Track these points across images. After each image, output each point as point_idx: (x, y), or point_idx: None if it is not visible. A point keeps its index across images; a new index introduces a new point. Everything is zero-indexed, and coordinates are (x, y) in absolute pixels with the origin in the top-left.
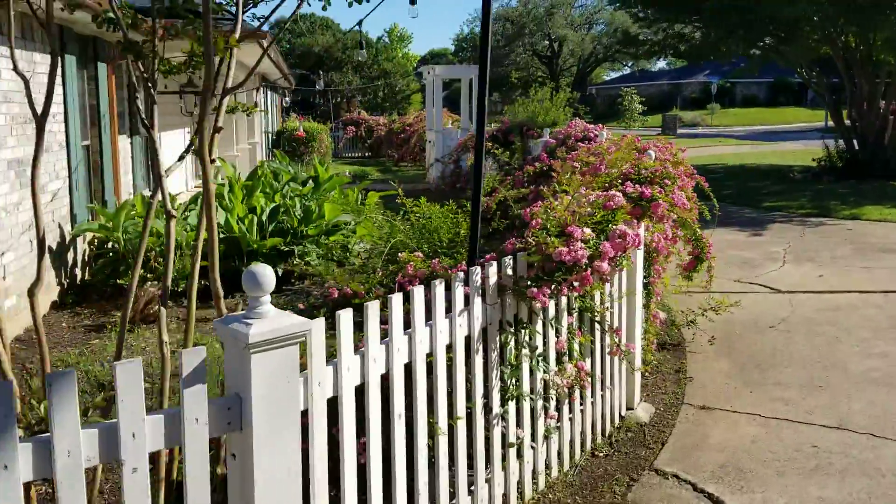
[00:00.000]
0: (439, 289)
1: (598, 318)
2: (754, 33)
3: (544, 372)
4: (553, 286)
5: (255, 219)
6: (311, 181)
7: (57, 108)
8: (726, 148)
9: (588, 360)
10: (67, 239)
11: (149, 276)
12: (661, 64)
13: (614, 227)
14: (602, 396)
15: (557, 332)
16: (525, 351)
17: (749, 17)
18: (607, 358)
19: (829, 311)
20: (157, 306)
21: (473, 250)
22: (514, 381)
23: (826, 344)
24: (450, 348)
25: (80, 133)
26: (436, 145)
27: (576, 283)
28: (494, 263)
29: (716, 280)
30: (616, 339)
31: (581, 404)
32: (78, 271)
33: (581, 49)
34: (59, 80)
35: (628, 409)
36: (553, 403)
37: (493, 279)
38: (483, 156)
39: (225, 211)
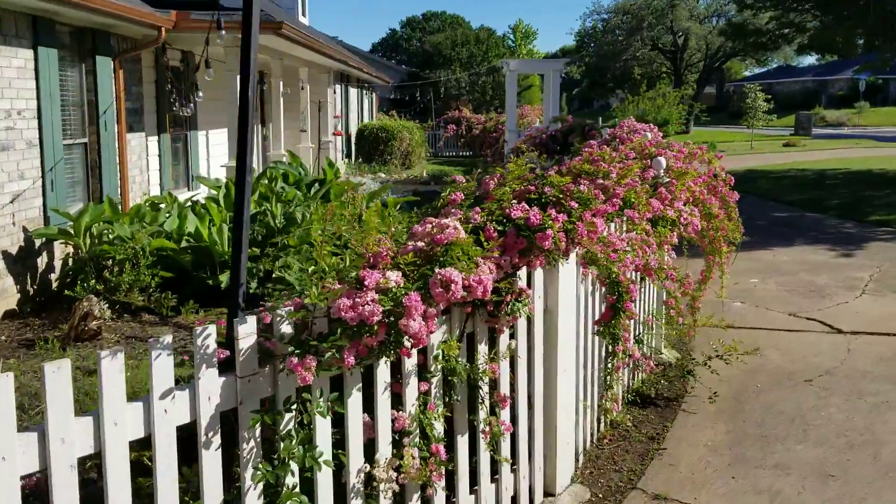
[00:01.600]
0: (112, 363)
1: (473, 383)
2: (869, 24)
3: (334, 467)
4: (328, 354)
5: (228, 227)
6: (316, 185)
7: (25, 104)
8: (860, 151)
9: (465, 439)
10: (38, 243)
11: (99, 287)
12: (810, 59)
13: (439, 270)
14: (498, 480)
15: (397, 405)
16: (294, 442)
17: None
18: (520, 428)
19: (894, 363)
20: (94, 322)
21: (236, 297)
22: (267, 483)
23: (869, 411)
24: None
25: (63, 130)
26: (509, 145)
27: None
28: (253, 318)
29: (766, 312)
30: (491, 416)
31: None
32: (52, 278)
33: (706, 43)
34: (30, 74)
35: (547, 494)
36: None
37: (247, 341)
38: (246, 162)
39: (198, 218)
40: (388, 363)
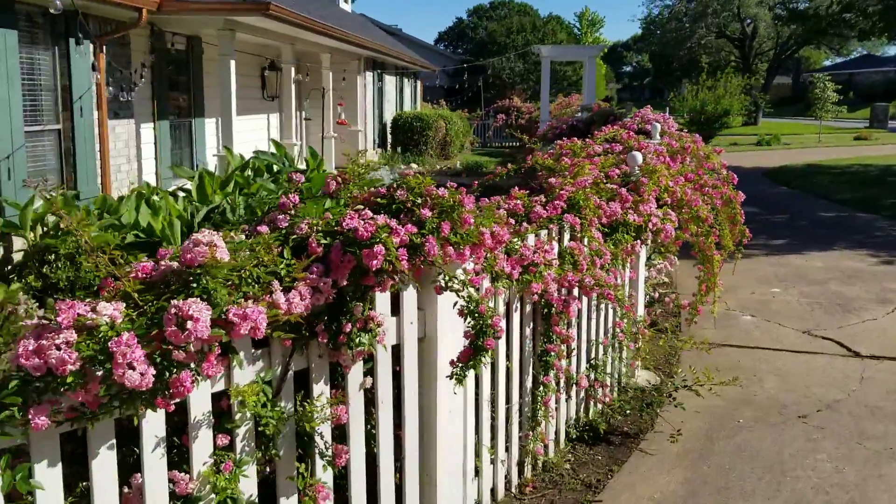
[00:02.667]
0: None
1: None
2: None
3: None
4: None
5: (181, 222)
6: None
7: None
8: None
9: None
10: None
11: (37, 284)
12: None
13: (175, 303)
14: None
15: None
16: None
17: None
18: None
19: None
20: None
21: None
22: None
23: (866, 461)
24: None
25: (31, 117)
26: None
27: None
28: None
29: (776, 329)
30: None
31: None
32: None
33: (777, 31)
34: None
35: None
36: None
37: None
38: None
39: (151, 210)
40: (162, 412)
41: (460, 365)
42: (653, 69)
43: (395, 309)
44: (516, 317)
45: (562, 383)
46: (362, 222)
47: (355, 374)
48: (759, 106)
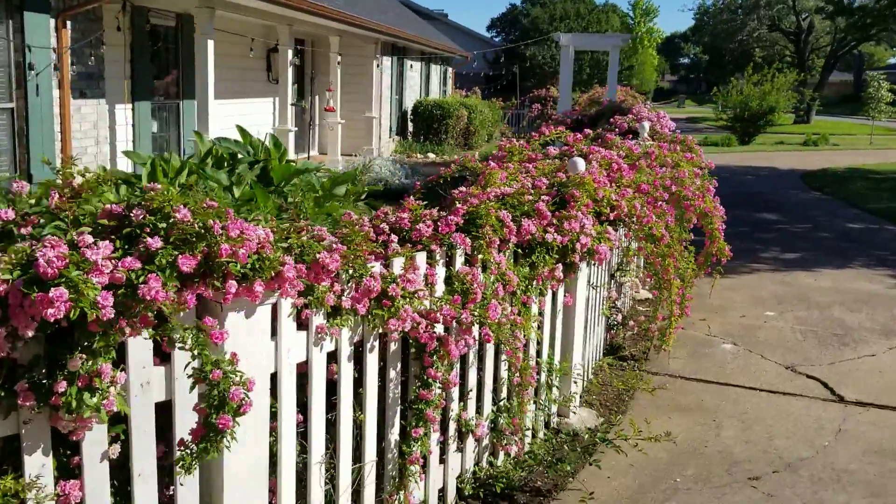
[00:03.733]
0: None
1: None
2: None
3: None
4: None
5: None
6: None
7: None
8: None
9: None
10: None
11: None
12: None
13: None
14: None
15: None
16: None
17: None
18: None
19: (891, 459)
20: None
21: None
22: None
23: None
24: None
25: None
26: None
27: None
28: None
29: (757, 362)
30: None
31: None
32: None
33: (834, 25)
34: None
35: None
36: None
37: None
38: None
39: None
40: None
41: (192, 447)
42: (705, 62)
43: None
44: (372, 358)
45: (452, 432)
46: (52, 252)
47: (95, 441)
48: (808, 104)
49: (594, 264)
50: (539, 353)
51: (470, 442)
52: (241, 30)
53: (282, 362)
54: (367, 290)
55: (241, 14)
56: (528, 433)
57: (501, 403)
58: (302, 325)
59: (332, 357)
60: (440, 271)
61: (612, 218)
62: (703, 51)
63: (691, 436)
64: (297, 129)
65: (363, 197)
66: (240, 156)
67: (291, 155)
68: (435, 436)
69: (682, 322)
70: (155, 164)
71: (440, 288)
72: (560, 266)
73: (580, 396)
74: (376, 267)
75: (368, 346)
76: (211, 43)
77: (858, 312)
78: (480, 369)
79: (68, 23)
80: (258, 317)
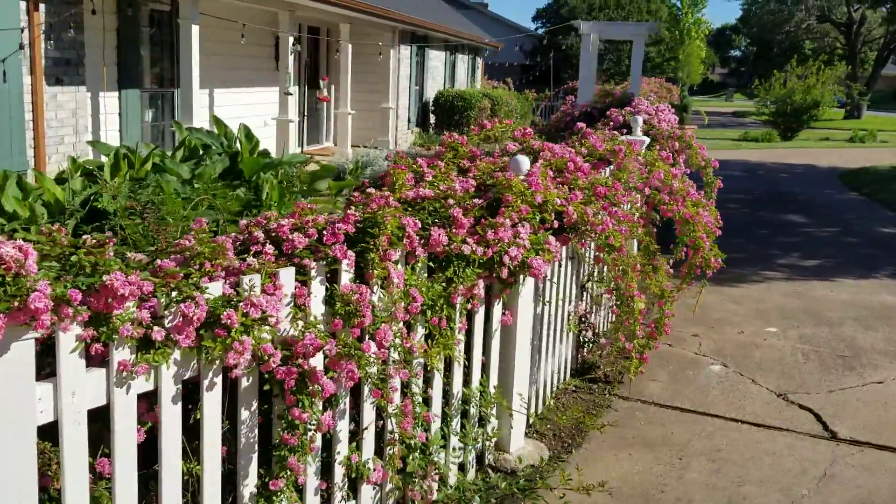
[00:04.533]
0: None
1: None
2: None
3: None
4: None
5: (55, 208)
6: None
7: None
8: None
9: None
10: None
11: None
12: None
13: None
14: None
15: None
16: None
17: None
18: None
19: None
20: None
21: None
22: None
23: None
24: None
25: None
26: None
27: None
28: None
29: (745, 388)
30: None
31: None
32: None
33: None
34: None
35: None
36: None
37: None
38: None
39: (22, 193)
40: None
41: None
42: (752, 54)
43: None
44: (211, 398)
45: (339, 479)
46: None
47: None
48: (855, 98)
49: (557, 275)
50: (467, 382)
51: (367, 489)
52: (239, 15)
53: (63, 409)
54: (187, 318)
55: None
56: (453, 472)
57: (413, 442)
58: (98, 360)
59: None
60: (317, 290)
61: (558, 226)
62: (750, 43)
63: (648, 478)
64: (308, 118)
65: (355, 190)
66: (213, 147)
67: (293, 147)
68: (314, 484)
69: (661, 340)
70: (118, 156)
71: (317, 310)
72: (481, 282)
73: (529, 426)
74: (214, 287)
75: (206, 382)
76: (195, 28)
77: (874, 331)
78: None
79: (41, 5)
80: (11, 356)
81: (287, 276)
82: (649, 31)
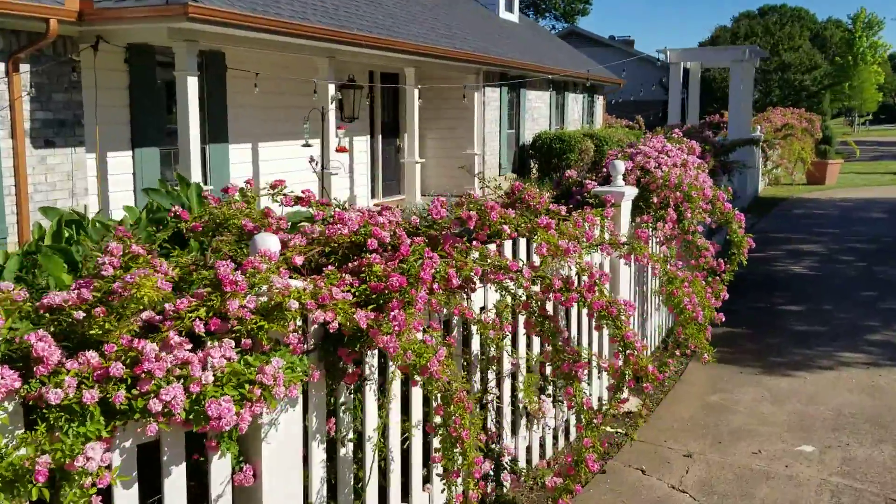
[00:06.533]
0: None
1: None
2: None
3: None
4: None
5: None
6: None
7: None
8: None
9: None
10: None
11: None
12: None
13: None
14: None
15: None
16: None
17: None
18: None
19: None
20: None
21: None
22: None
23: None
24: None
25: None
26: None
27: None
28: None
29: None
30: None
31: None
32: None
33: None
34: None
35: None
36: None
37: None
38: None
39: None
40: None
41: None
42: None
43: None
44: None
45: None
46: None
47: None
48: None
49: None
50: None
51: None
52: (275, 64)
53: None
54: None
55: (255, 48)
56: None
57: None
58: None
59: None
60: None
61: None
62: None
63: None
64: (385, 169)
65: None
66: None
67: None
68: None
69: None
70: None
71: None
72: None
73: None
74: None
75: None
76: (192, 80)
77: None
78: None
79: (23, 65)
80: None
81: None
82: (750, 56)
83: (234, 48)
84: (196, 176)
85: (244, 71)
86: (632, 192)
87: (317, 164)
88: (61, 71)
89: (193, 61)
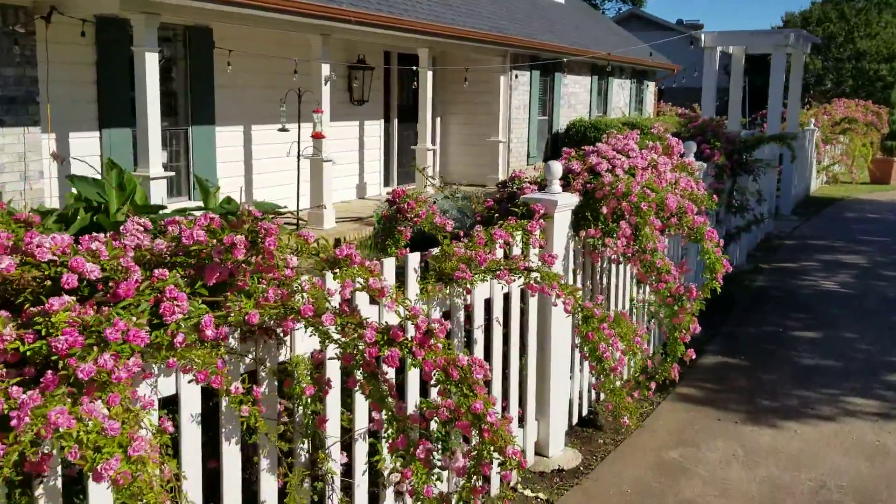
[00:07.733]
0: None
1: None
2: None
3: None
4: None
5: None
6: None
7: None
8: None
9: None
10: None
11: None
12: None
13: None
14: None
15: None
16: None
17: None
18: None
19: None
20: None
21: None
22: None
23: None
24: None
25: None
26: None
27: None
28: None
29: None
30: None
31: None
32: None
33: None
34: None
35: None
36: None
37: None
38: None
39: None
40: None
41: None
42: None
43: None
44: None
45: None
46: None
47: None
48: None
49: None
50: None
51: None
52: (267, 40)
53: None
54: None
55: (239, 24)
56: None
57: None
58: None
59: None
60: None
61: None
62: None
63: None
64: (401, 156)
65: None
66: (96, 204)
67: (375, 188)
68: None
69: None
70: None
71: None
72: None
73: None
74: None
75: None
76: (152, 56)
77: None
78: None
79: None
80: None
81: None
82: (795, 41)
83: (222, 24)
84: (156, 160)
85: (222, 49)
86: (568, 199)
87: (303, 151)
88: (10, 44)
89: (153, 36)
